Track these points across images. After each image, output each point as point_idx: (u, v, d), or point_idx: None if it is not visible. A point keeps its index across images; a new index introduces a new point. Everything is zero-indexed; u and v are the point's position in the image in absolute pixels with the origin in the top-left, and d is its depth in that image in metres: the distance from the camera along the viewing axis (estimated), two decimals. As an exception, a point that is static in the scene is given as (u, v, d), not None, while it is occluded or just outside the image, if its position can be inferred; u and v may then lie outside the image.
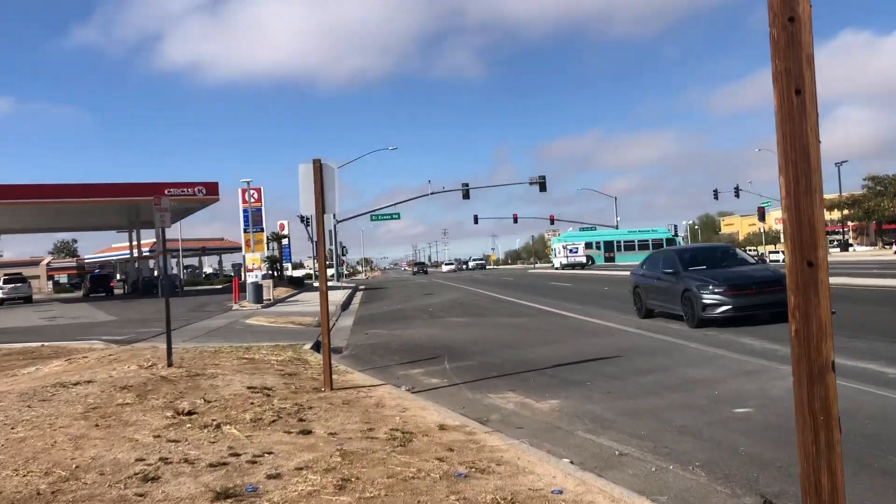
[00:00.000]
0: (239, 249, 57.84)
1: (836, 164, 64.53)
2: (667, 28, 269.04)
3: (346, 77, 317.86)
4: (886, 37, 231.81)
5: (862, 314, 13.99)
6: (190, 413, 7.03)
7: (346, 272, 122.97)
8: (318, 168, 8.77)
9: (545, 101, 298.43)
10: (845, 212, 68.68)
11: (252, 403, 7.53)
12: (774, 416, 6.62)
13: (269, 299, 31.35)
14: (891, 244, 59.04)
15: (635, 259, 69.80)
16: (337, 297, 33.82)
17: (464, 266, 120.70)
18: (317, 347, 14.97)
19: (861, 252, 63.64)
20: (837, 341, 2.95)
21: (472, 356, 11.94)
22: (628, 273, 18.86)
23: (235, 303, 29.48)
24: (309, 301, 32.46)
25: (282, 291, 38.40)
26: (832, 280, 2.91)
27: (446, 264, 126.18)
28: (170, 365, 10.18)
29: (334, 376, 9.79)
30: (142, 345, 14.29)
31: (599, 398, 7.91)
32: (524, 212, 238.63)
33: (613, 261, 72.41)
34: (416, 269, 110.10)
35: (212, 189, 38.80)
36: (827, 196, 56.57)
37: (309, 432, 6.26)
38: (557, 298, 24.67)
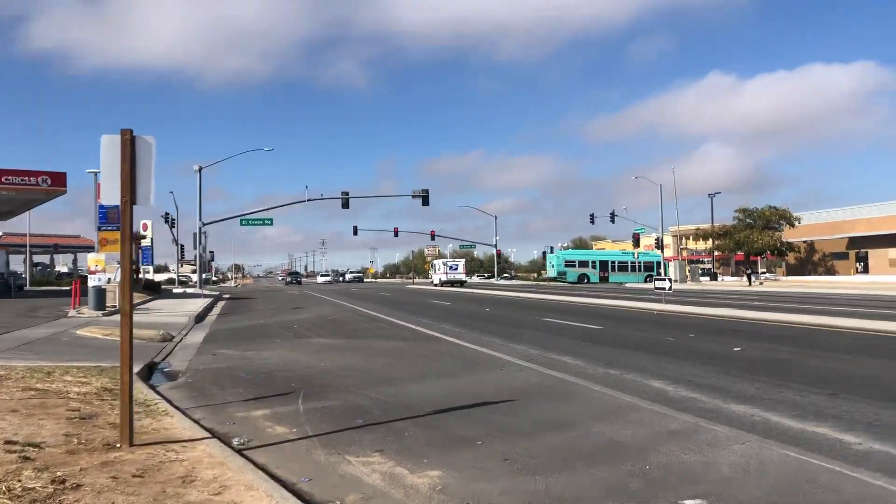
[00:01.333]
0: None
1: (709, 194, 66.43)
2: (550, 55, 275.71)
3: (226, 77, 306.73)
4: (749, 81, 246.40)
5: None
6: None
7: (214, 279, 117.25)
8: (129, 142, 6.38)
9: (431, 118, 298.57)
10: (718, 242, 70.80)
11: (-10, 477, 5.06)
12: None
13: (114, 306, 27.83)
14: (745, 274, 61.17)
15: (628, 279, 70.96)
16: (192, 307, 30.66)
17: (340, 278, 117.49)
18: (148, 372, 12.33)
19: (729, 282, 65.59)
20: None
21: (336, 393, 9.72)
22: (510, 293, 17.18)
23: (74, 308, 25.91)
24: (162, 310, 29.22)
25: (133, 297, 34.69)
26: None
27: (322, 275, 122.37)
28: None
29: (146, 420, 7.43)
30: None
31: (496, 470, 5.90)
32: (405, 226, 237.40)
33: (608, 280, 72.71)
34: (289, 279, 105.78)
35: (58, 180, 34.57)
36: (701, 226, 58.21)
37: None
38: (438, 319, 22.76)
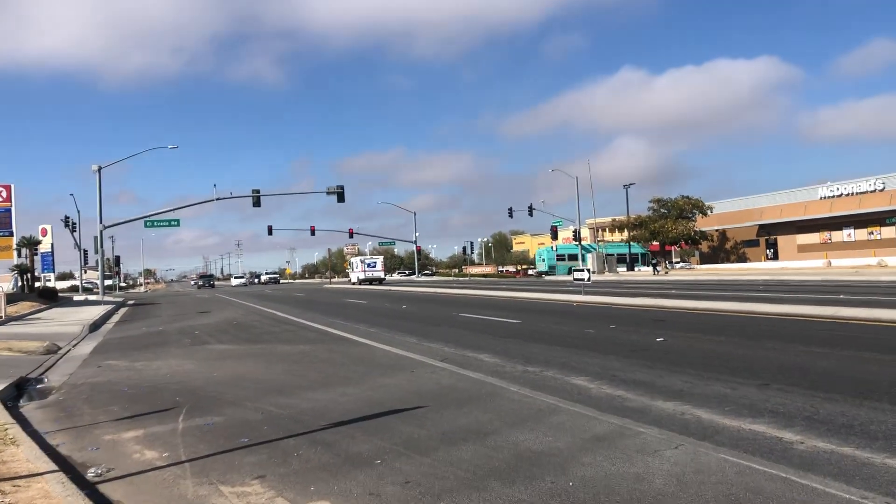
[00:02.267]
0: (-16, 256, 49.09)
1: (624, 185, 67.05)
2: (465, 52, 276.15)
3: (131, 75, 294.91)
4: (659, 76, 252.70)
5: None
6: None
7: (122, 284, 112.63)
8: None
9: (348, 116, 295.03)
10: (633, 232, 71.63)
11: None
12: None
13: (0, 317, 25.70)
14: (651, 264, 62.15)
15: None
16: (89, 315, 28.66)
17: (256, 280, 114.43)
18: (17, 389, 10.88)
19: (646, 271, 66.50)
20: None
21: (223, 407, 8.61)
22: (429, 289, 16.31)
23: (-50, 321, 23.81)
24: (55, 319, 27.14)
25: (25, 306, 32.29)
26: None
27: (236, 277, 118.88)
28: None
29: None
30: None
31: (394, 496, 4.97)
32: (324, 225, 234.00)
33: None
34: (201, 283, 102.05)
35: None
36: (617, 217, 58.76)
37: None
38: (351, 319, 21.69)
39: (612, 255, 74.62)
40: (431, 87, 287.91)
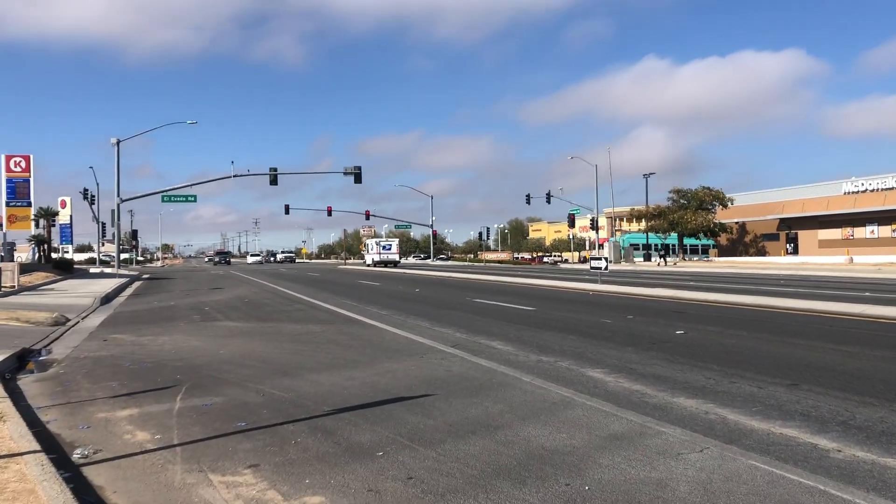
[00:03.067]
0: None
1: (644, 175, 66.25)
2: (487, 36, 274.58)
3: (154, 51, 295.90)
4: (682, 66, 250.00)
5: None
6: None
7: (140, 258, 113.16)
8: None
9: (369, 97, 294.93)
10: (652, 222, 70.77)
11: None
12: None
13: (13, 286, 25.63)
14: (660, 255, 61.52)
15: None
16: (102, 287, 28.54)
17: (272, 258, 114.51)
18: (18, 361, 10.61)
19: (668, 261, 65.72)
20: None
21: (224, 387, 8.27)
22: (444, 273, 15.92)
23: (-37, 290, 23.73)
24: (68, 291, 27.04)
25: (39, 277, 32.26)
26: None
27: (252, 255, 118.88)
28: None
29: (-35, 429, 5.88)
30: None
31: (396, 494, 4.58)
32: (340, 206, 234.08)
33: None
34: (217, 259, 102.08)
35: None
36: (636, 206, 57.99)
37: None
38: (363, 301, 21.35)
39: (637, 244, 74.36)
40: (452, 71, 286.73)
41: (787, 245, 69.03)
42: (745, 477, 4.73)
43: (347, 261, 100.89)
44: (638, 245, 75.05)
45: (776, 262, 58.26)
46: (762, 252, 71.90)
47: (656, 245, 74.59)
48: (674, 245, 74.63)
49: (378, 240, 75.82)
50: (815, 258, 60.26)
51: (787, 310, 16.32)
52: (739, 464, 5.01)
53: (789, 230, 68.78)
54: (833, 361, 9.34)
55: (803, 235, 67.26)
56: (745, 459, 5.10)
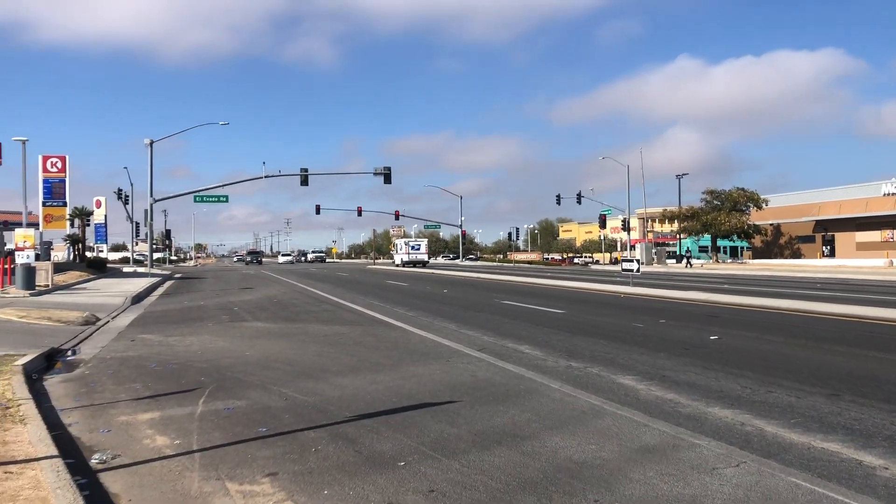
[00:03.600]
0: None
1: (677, 175, 65.39)
2: (518, 37, 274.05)
3: (188, 52, 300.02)
4: (716, 66, 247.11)
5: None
6: None
7: (173, 258, 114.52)
8: None
9: (398, 97, 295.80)
10: (685, 224, 69.86)
11: None
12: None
13: (47, 285, 25.95)
14: (686, 258, 60.63)
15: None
16: (134, 287, 28.78)
17: (302, 258, 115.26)
18: (46, 360, 10.63)
19: (695, 264, 64.80)
20: None
21: (248, 390, 8.16)
22: (472, 274, 15.73)
23: (0, 288, 24.03)
24: (100, 290, 27.30)
25: (72, 276, 32.65)
26: None
27: (283, 255, 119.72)
28: None
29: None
30: None
31: (416, 508, 4.41)
32: (370, 206, 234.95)
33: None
34: (248, 259, 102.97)
35: (-10, 150, 32.22)
36: (668, 207, 57.25)
37: None
38: (391, 302, 21.24)
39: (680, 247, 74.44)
40: (482, 71, 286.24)
41: (824, 247, 67.74)
42: (786, 496, 4.47)
43: (377, 260, 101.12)
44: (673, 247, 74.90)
45: (812, 265, 57.17)
46: (797, 254, 70.63)
47: (677, 251, 74.48)
48: (705, 247, 74.04)
49: (407, 240, 75.83)
50: (853, 261, 58.99)
51: (824, 314, 15.87)
52: (779, 480, 4.75)
53: (825, 232, 67.48)
54: (876, 370, 8.98)
55: (840, 237, 65.94)
56: (785, 476, 4.84)
